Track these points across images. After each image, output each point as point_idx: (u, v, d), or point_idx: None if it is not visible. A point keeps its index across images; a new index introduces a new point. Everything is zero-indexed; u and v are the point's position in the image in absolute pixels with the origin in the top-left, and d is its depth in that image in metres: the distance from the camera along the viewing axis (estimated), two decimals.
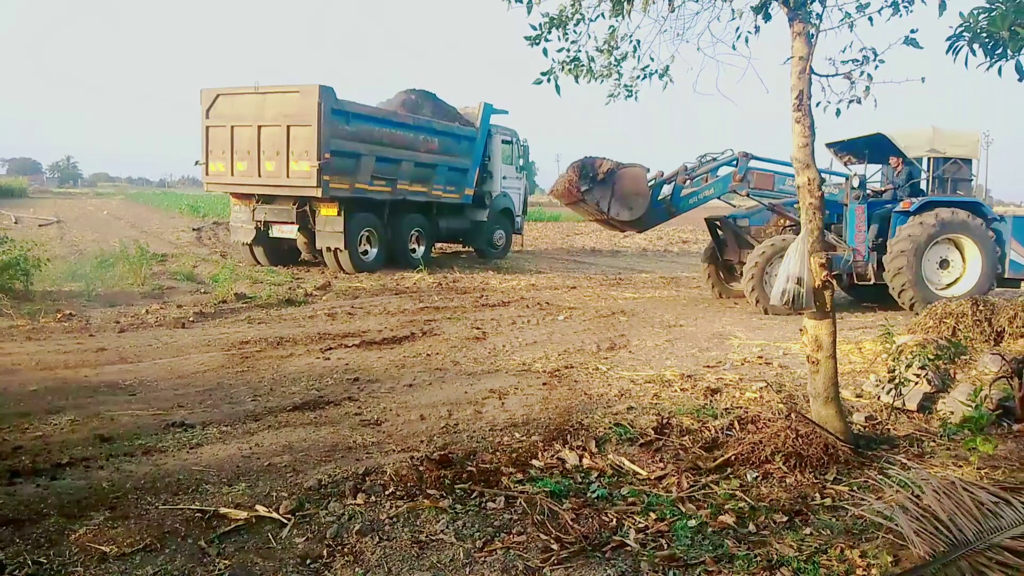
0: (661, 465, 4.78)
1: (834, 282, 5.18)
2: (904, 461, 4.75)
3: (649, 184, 11.41)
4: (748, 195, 11.81)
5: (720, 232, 12.78)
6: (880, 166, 13.09)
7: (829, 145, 13.04)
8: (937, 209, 11.26)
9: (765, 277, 11.18)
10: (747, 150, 11.62)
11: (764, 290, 11.10)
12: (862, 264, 11.60)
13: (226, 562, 3.46)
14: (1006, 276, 11.60)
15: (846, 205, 11.68)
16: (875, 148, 12.47)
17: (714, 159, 11.80)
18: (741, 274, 11.88)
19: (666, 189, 11.74)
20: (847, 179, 11.93)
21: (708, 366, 7.67)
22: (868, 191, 12.42)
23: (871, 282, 11.67)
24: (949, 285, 11.41)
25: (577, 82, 5.70)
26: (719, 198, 12.23)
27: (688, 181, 11.73)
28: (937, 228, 11.18)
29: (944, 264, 11.50)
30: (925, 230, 11.16)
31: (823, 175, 11.95)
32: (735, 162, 11.63)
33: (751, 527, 3.92)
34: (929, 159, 11.81)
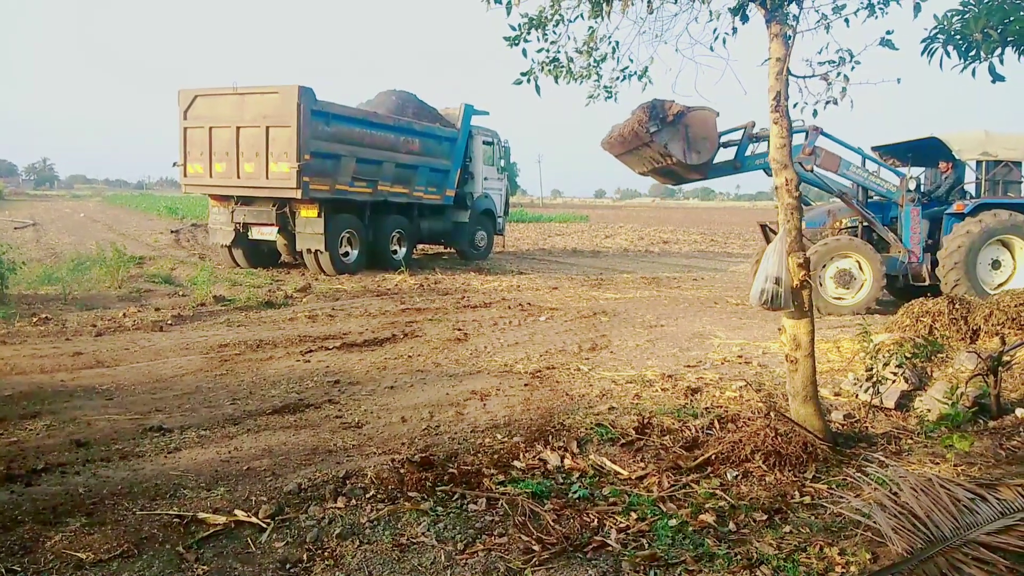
0: (642, 465, 4.79)
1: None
2: (882, 459, 4.79)
3: (719, 134, 11.27)
4: (812, 171, 11.55)
5: (774, 235, 12.66)
6: (923, 169, 13.18)
7: (875, 148, 13.07)
8: (990, 211, 11.37)
9: (817, 280, 11.21)
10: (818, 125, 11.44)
11: (820, 295, 11.19)
12: (917, 265, 11.67)
13: (204, 568, 3.43)
14: None
15: (901, 207, 11.73)
16: (923, 152, 12.55)
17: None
18: None
19: (741, 147, 11.55)
20: (902, 180, 11.91)
21: (689, 366, 7.70)
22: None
23: (926, 283, 11.68)
24: (1000, 285, 11.48)
25: (557, 83, 5.71)
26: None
27: (756, 140, 11.55)
28: (990, 229, 11.26)
29: (996, 265, 11.59)
30: (979, 231, 11.23)
31: (889, 171, 12.02)
32: (806, 134, 11.47)
33: (731, 526, 3.94)
34: (980, 162, 11.87)
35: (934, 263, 11.61)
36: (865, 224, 11.98)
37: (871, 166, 12.15)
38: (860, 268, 11.39)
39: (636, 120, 10.83)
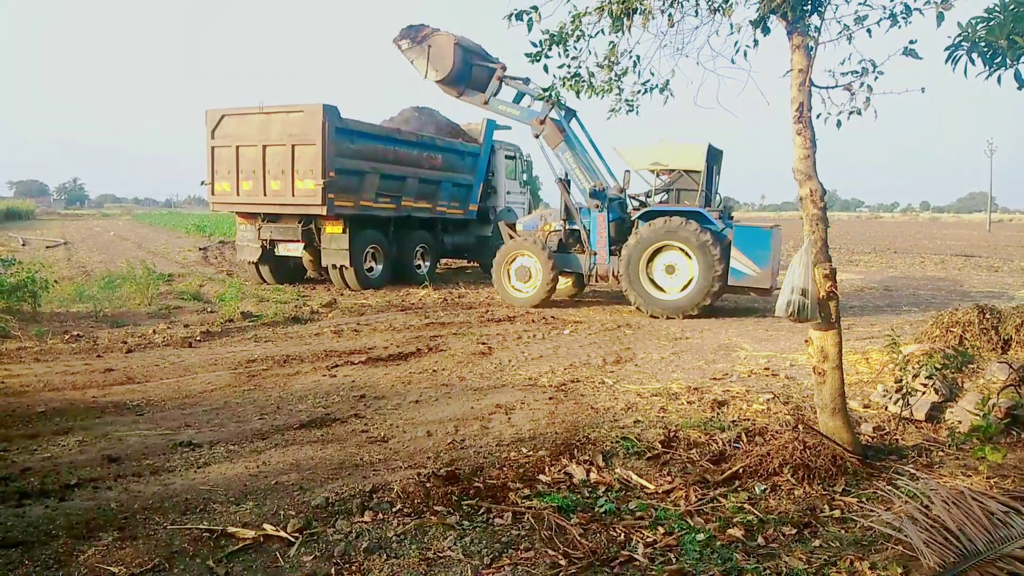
0: (669, 479, 4.77)
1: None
2: (913, 471, 4.73)
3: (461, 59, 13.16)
4: (538, 138, 13.06)
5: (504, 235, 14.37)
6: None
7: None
8: (656, 219, 12.11)
9: (505, 277, 13.30)
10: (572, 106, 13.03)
11: (504, 287, 13.32)
12: (604, 266, 12.81)
13: None
14: (728, 283, 11.91)
15: (591, 211, 12.79)
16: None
17: (539, 88, 12.70)
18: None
19: (492, 86, 13.52)
20: (592, 186, 12.81)
21: (715, 378, 7.66)
22: (635, 197, 13.42)
23: (608, 282, 12.87)
24: (682, 288, 12.07)
25: (579, 97, 5.76)
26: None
27: (505, 83, 13.48)
28: (652, 236, 12.02)
29: (670, 269, 12.18)
30: (643, 238, 12.05)
31: (592, 176, 12.86)
32: (542, 104, 12.75)
33: (760, 540, 3.91)
34: (655, 172, 12.82)
35: None
36: (572, 227, 13.20)
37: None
38: (536, 264, 12.96)
39: (394, 40, 13.16)
